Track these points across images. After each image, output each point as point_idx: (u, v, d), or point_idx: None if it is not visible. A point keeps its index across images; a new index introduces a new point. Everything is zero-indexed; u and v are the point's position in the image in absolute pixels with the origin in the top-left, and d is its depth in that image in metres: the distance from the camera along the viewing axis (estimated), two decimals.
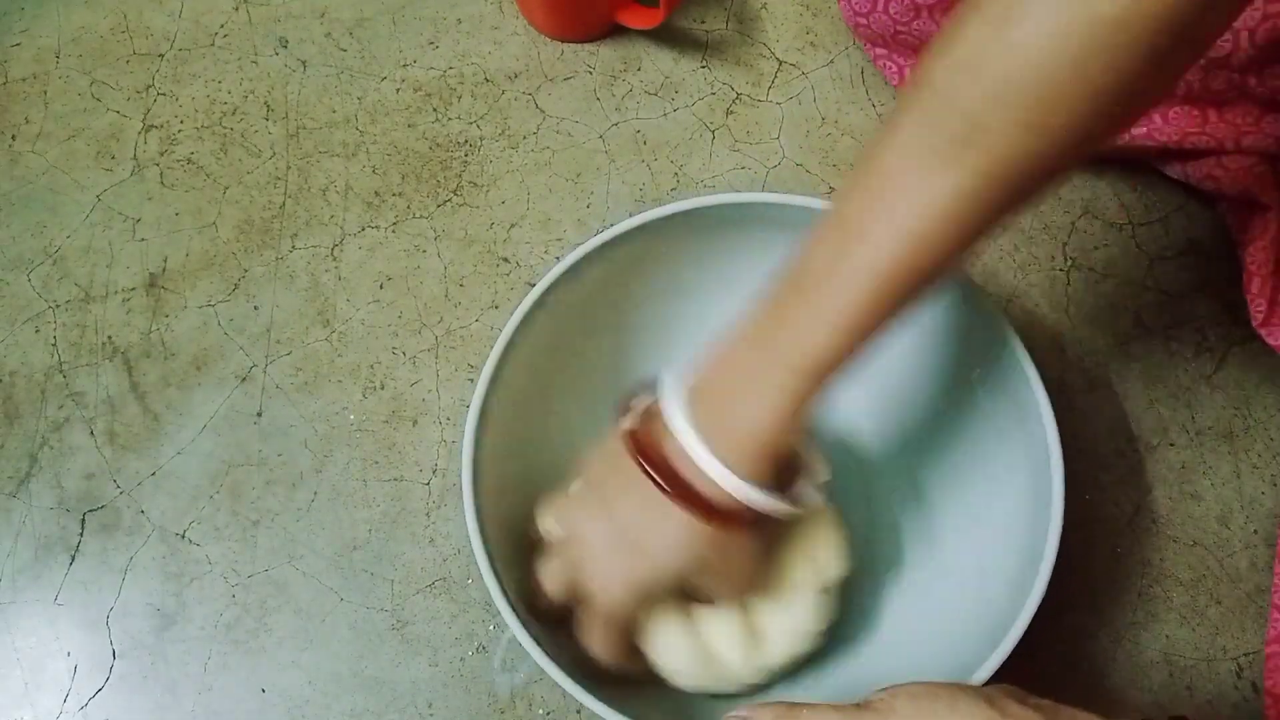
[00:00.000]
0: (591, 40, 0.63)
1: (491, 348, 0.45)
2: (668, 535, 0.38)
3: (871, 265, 0.34)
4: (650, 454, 0.38)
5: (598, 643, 0.41)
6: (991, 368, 0.46)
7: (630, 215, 0.47)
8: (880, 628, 0.47)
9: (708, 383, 0.38)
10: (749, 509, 0.38)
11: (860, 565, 0.48)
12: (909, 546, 0.49)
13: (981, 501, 0.47)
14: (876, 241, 0.33)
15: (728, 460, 0.37)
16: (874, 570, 0.49)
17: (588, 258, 0.47)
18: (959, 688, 0.34)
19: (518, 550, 0.45)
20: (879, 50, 0.59)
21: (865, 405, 0.51)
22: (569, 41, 0.63)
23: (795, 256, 0.36)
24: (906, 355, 0.51)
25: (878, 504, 0.51)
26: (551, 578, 0.42)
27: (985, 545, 0.46)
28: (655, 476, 0.38)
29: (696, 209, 0.47)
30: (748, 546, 0.39)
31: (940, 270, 0.34)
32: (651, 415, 0.40)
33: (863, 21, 0.57)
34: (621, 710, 0.39)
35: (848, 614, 0.48)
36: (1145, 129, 0.53)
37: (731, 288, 0.51)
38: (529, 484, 0.47)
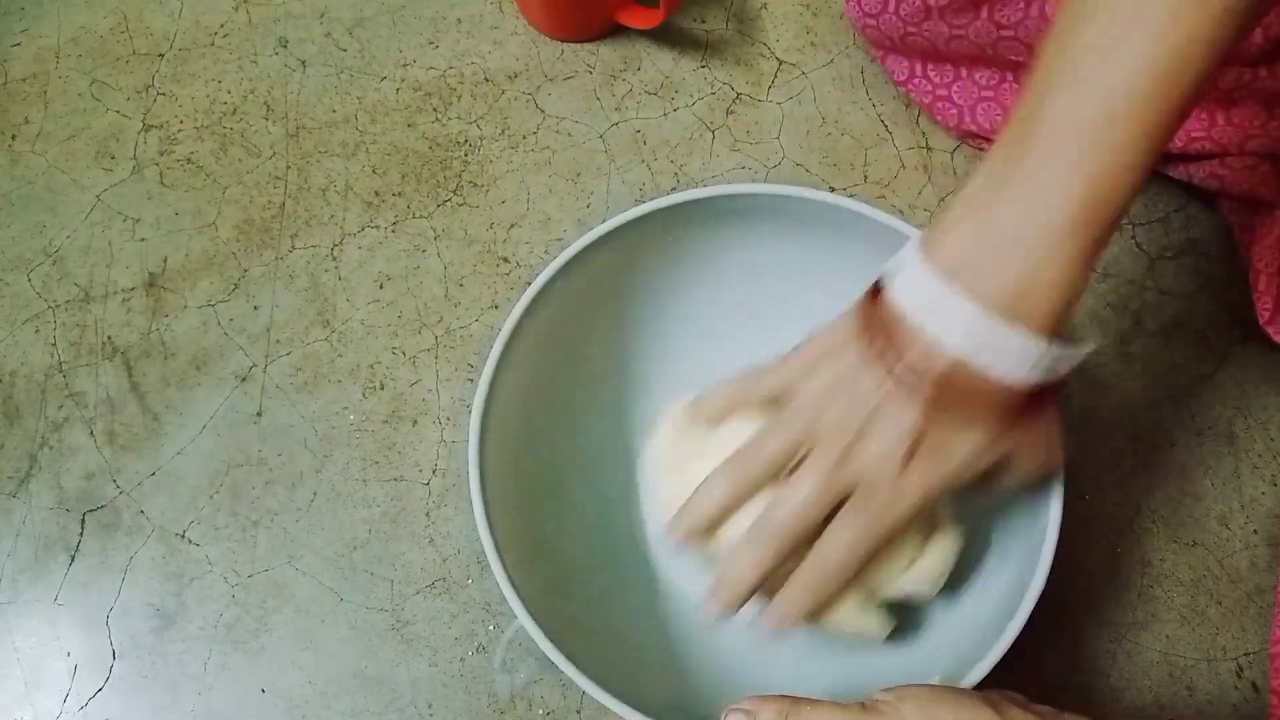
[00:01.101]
0: (591, 40, 0.63)
1: (492, 347, 0.45)
2: (968, 430, 0.35)
3: (1131, 93, 0.31)
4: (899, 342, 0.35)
5: (858, 544, 0.37)
6: None
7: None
8: None
9: (965, 258, 0.33)
10: (1055, 376, 0.34)
11: None
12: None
13: (979, 500, 0.47)
14: (1132, 67, 0.31)
15: (1030, 327, 0.33)
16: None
17: (590, 248, 0.47)
18: (964, 693, 0.34)
19: (523, 540, 0.45)
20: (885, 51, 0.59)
21: None
22: (569, 41, 0.63)
23: (1023, 113, 0.33)
24: None
25: None
26: (777, 442, 0.38)
27: (982, 543, 0.46)
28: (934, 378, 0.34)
29: (695, 200, 0.47)
30: (1052, 415, 0.37)
31: (1196, 98, 0.32)
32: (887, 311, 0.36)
33: (871, 23, 0.57)
34: (628, 703, 0.39)
35: None
36: None
37: (732, 280, 0.51)
38: (534, 474, 0.47)
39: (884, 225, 0.46)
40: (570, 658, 0.40)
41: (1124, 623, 0.50)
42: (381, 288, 0.57)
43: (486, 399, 0.44)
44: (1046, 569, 0.40)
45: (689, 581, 0.50)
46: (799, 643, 0.48)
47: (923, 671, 0.43)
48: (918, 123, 0.60)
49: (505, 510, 0.44)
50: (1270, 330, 0.51)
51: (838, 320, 0.38)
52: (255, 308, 0.57)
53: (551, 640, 0.40)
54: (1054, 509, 0.41)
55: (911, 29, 0.55)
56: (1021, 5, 0.51)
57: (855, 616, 0.41)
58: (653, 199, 0.47)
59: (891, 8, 0.55)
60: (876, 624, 0.42)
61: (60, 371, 0.56)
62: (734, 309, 0.51)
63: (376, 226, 0.59)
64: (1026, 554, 0.42)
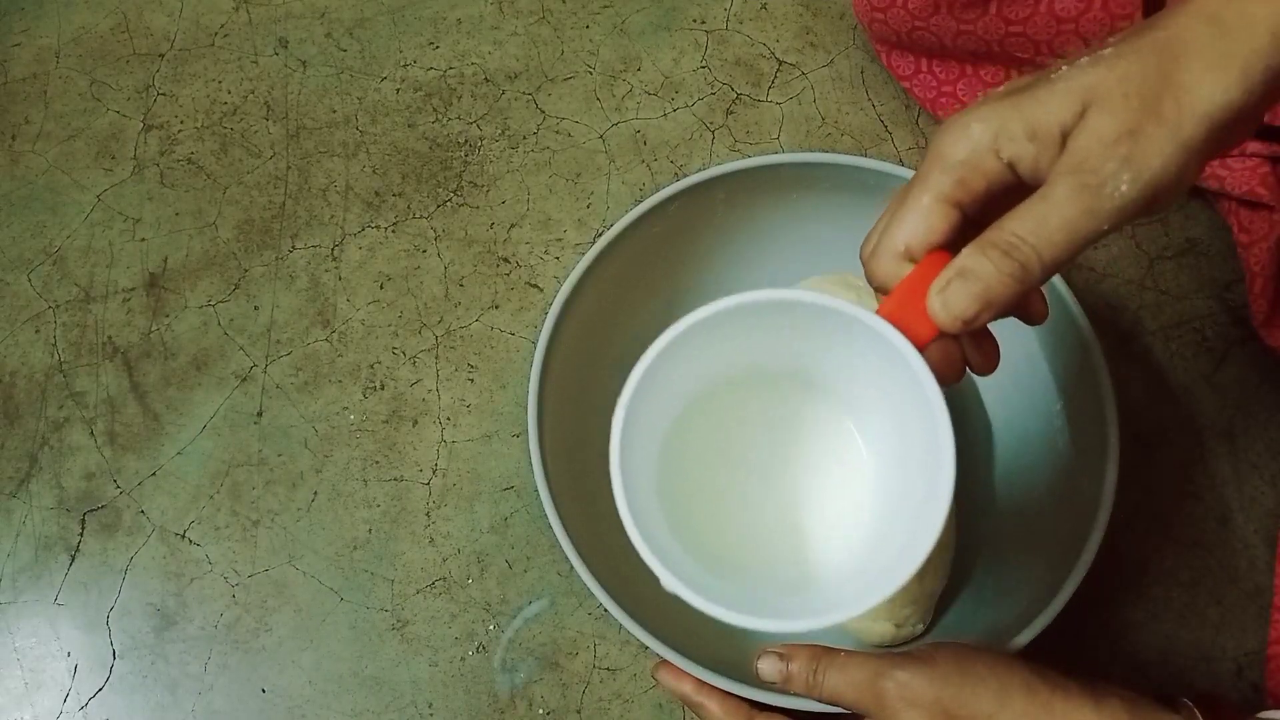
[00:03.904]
0: None
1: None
2: None
3: None
4: None
5: None
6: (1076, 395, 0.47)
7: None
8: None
9: None
10: None
11: None
12: None
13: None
14: None
15: None
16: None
17: (668, 200, 0.47)
18: (999, 651, 0.35)
19: (577, 492, 0.45)
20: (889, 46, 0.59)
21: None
22: None
23: None
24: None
25: None
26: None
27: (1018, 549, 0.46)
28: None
29: (769, 166, 0.48)
30: None
31: None
32: None
33: (879, 18, 0.56)
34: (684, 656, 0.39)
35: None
36: None
37: (781, 252, 0.52)
38: (585, 437, 0.47)
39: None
40: (631, 615, 0.40)
41: (1124, 622, 0.50)
42: (382, 288, 0.57)
43: (547, 348, 0.45)
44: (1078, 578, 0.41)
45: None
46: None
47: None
48: (917, 123, 0.60)
49: (559, 444, 0.44)
50: (1264, 333, 0.51)
51: None
52: (255, 308, 0.57)
53: (616, 601, 0.40)
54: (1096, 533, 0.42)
55: (919, 24, 0.55)
56: (1031, 2, 0.51)
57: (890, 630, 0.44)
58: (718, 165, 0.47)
59: (900, 2, 0.55)
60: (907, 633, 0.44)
61: (60, 371, 0.56)
62: (776, 279, 0.52)
63: (377, 226, 0.59)
64: (1059, 557, 0.43)
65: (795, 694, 0.37)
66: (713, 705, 0.40)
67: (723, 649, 0.42)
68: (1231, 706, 0.35)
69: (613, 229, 0.47)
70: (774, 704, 0.39)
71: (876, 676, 0.34)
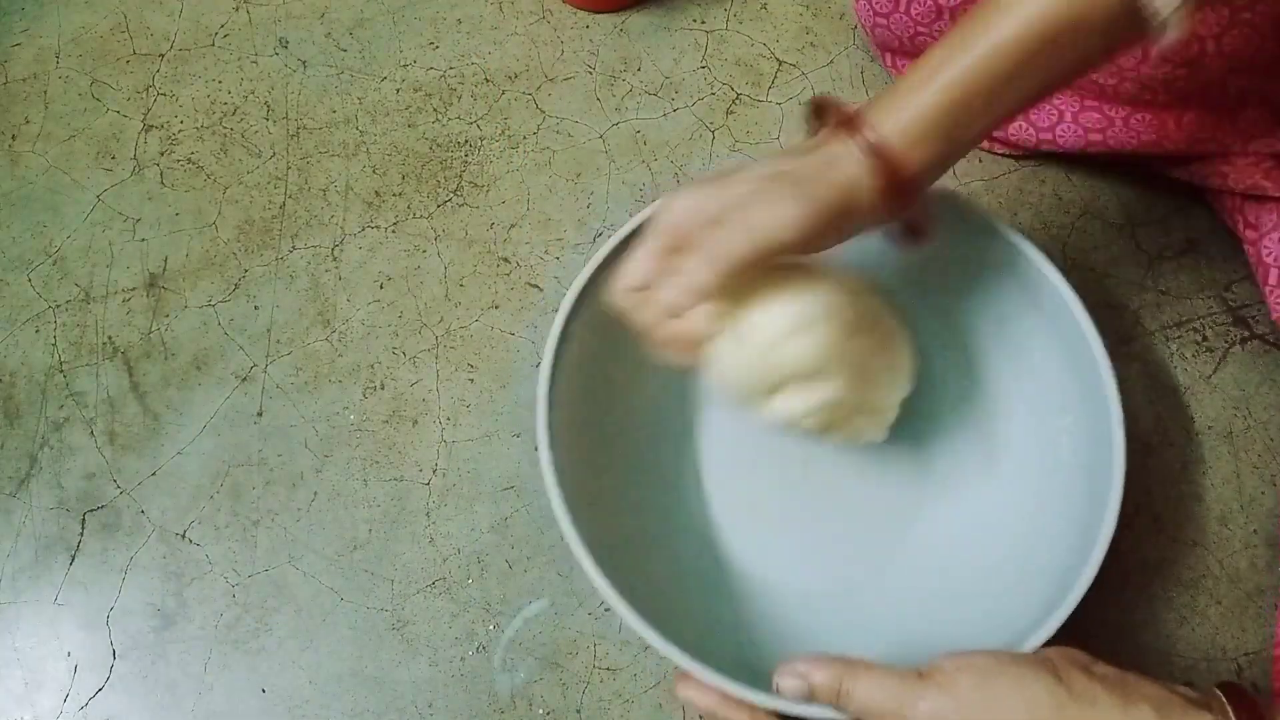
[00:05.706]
0: (623, 9, 0.64)
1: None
2: (777, 204, 0.37)
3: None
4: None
5: (671, 328, 0.40)
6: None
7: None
8: (918, 594, 0.48)
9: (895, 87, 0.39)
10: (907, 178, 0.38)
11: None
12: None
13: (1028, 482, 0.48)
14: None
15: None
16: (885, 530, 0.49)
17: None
18: (1025, 661, 0.33)
19: (589, 499, 0.45)
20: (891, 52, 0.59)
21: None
22: (600, 11, 0.64)
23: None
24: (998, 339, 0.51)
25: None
26: (637, 262, 0.39)
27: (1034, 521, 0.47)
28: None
29: None
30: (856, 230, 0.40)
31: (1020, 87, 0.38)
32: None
33: (882, 23, 0.57)
34: (699, 661, 0.39)
35: (893, 577, 0.48)
36: (1156, 136, 0.53)
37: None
38: (597, 441, 0.48)
39: (961, 208, 0.46)
40: (644, 616, 0.40)
41: (1124, 623, 0.50)
42: (382, 288, 0.57)
43: (557, 348, 0.45)
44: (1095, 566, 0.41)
45: (749, 547, 0.50)
46: (860, 604, 0.48)
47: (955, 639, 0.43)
48: None
49: (574, 482, 0.44)
50: None
51: None
52: (256, 308, 0.57)
53: (633, 608, 0.40)
54: (1113, 500, 0.42)
55: (921, 29, 0.55)
56: None
57: (861, 425, 0.45)
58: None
59: (903, 8, 0.55)
60: (876, 430, 0.46)
61: (60, 371, 0.56)
62: None
63: (377, 227, 0.59)
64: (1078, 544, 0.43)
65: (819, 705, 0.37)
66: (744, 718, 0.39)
67: (742, 655, 0.42)
68: (1259, 700, 0.35)
69: (621, 229, 0.46)
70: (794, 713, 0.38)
71: (899, 706, 0.33)
